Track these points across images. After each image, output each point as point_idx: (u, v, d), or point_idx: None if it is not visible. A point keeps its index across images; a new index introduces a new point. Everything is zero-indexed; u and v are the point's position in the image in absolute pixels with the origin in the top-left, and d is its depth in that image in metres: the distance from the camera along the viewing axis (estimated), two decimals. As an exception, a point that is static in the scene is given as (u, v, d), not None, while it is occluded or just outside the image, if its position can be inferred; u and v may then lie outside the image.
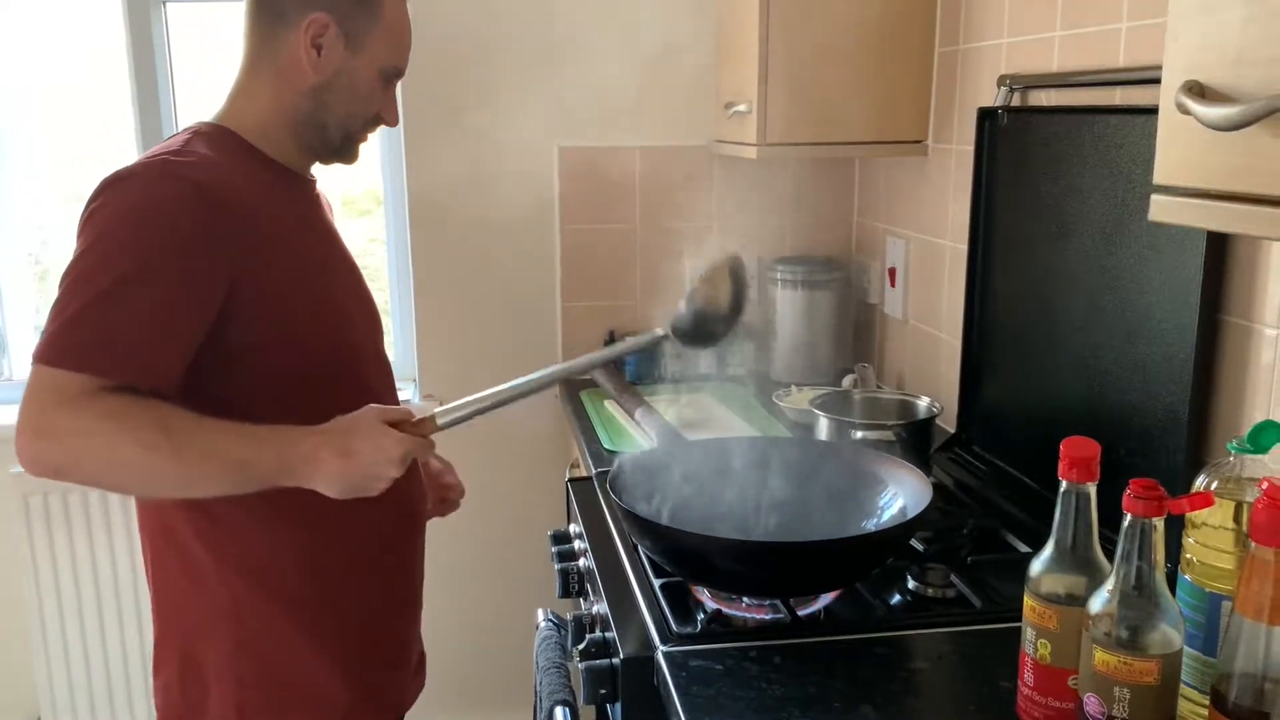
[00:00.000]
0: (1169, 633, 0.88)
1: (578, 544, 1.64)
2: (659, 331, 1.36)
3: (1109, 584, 0.90)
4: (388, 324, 2.48)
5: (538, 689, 1.47)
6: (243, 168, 1.28)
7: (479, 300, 2.45)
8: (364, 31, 1.30)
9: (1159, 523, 0.88)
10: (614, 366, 2.31)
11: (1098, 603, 0.91)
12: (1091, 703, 0.91)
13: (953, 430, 1.89)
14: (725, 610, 1.29)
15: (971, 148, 1.81)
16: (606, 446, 1.97)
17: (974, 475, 1.75)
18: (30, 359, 1.12)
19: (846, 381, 2.22)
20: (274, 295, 1.24)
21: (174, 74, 2.45)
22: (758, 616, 1.28)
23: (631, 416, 1.94)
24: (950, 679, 1.17)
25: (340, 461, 1.17)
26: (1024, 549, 1.47)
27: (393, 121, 1.39)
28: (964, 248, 1.85)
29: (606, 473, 1.55)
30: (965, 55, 1.95)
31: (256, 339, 1.23)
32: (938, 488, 1.59)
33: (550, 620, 1.59)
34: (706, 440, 1.57)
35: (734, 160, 2.38)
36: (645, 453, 1.61)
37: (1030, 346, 1.68)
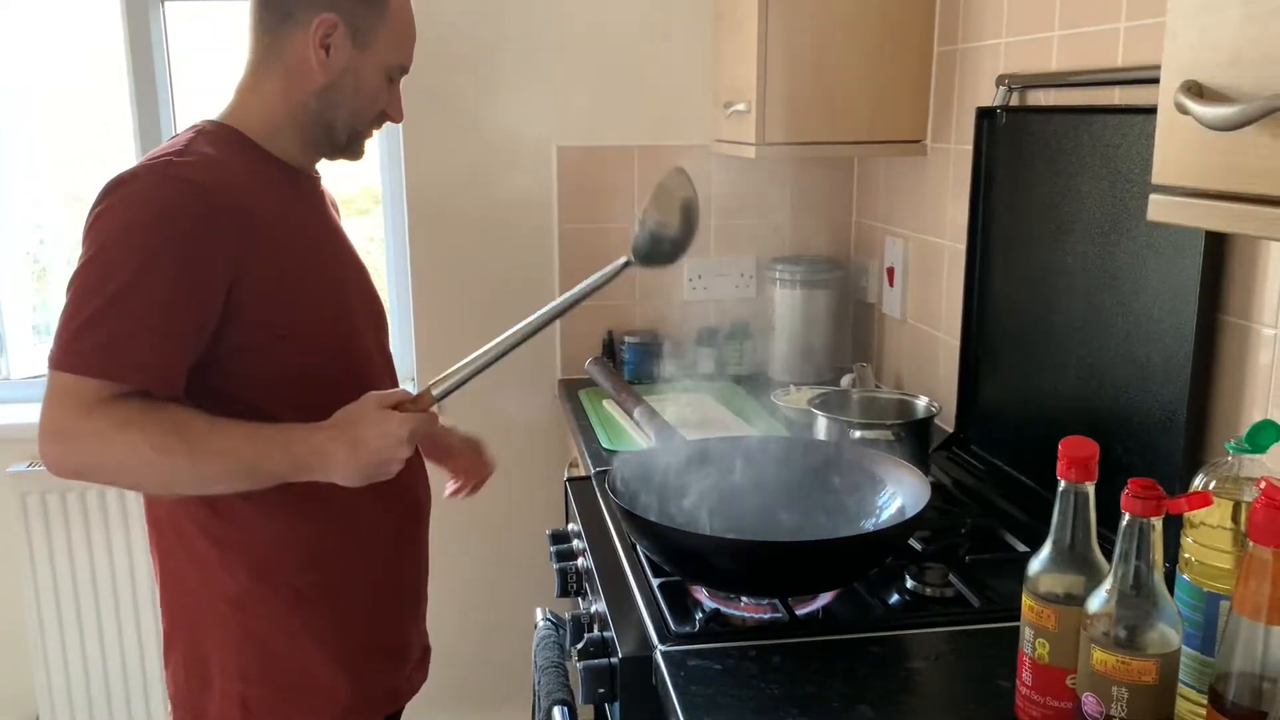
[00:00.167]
0: (1167, 632, 0.88)
1: (576, 543, 1.64)
2: (621, 260, 1.39)
3: (1107, 583, 0.90)
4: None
5: (536, 688, 1.47)
6: (246, 166, 1.29)
7: (478, 299, 2.45)
8: (370, 30, 1.31)
9: (1157, 522, 0.88)
10: (613, 366, 2.31)
11: (1096, 602, 0.91)
12: (1090, 702, 0.91)
13: (951, 430, 1.89)
14: (724, 610, 1.29)
15: (970, 147, 1.81)
16: (605, 446, 1.97)
17: (972, 475, 1.76)
18: (46, 363, 1.15)
19: (845, 381, 2.23)
20: (276, 294, 1.25)
21: (173, 73, 2.45)
22: (756, 616, 1.28)
23: (630, 416, 1.93)
24: (948, 678, 1.17)
25: (350, 452, 1.20)
26: (1022, 548, 1.47)
27: (398, 118, 1.40)
28: (962, 247, 1.85)
29: (605, 472, 1.55)
30: (964, 55, 1.95)
31: (260, 337, 1.25)
32: (936, 487, 1.59)
33: (549, 620, 1.59)
34: (705, 440, 1.57)
35: (733, 160, 2.37)
36: (644, 452, 1.61)
37: (1029, 346, 1.68)
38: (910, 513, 1.30)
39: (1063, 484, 0.95)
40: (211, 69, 2.50)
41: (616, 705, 1.24)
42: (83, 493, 2.41)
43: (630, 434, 2.00)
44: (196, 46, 2.48)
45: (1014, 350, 1.73)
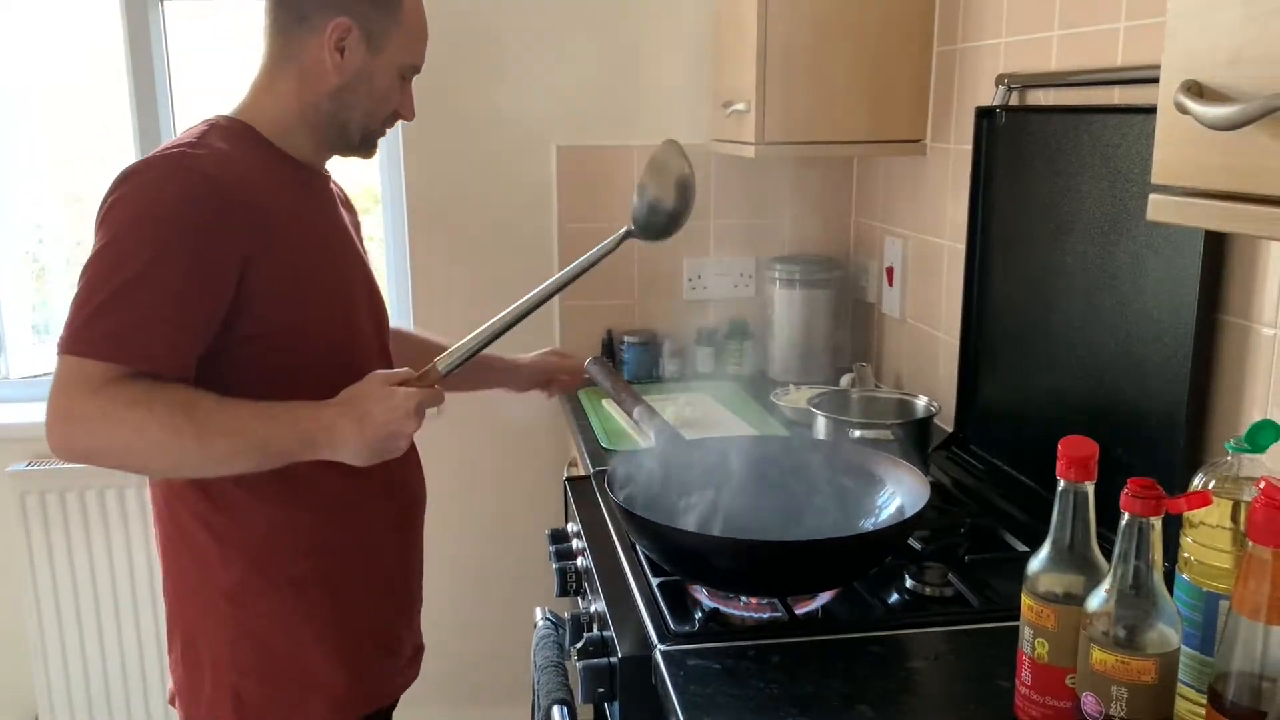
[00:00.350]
0: (1166, 632, 0.88)
1: (576, 543, 1.64)
2: (622, 230, 1.42)
3: (1107, 583, 0.90)
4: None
5: (535, 688, 1.47)
6: (257, 162, 1.30)
7: (477, 299, 2.43)
8: (384, 32, 1.33)
9: (1157, 522, 0.88)
10: (613, 366, 2.31)
11: (1095, 602, 0.91)
12: (1089, 702, 0.91)
13: (950, 429, 1.89)
14: (723, 609, 1.29)
15: (970, 147, 1.81)
16: (604, 445, 1.97)
17: (972, 474, 1.76)
18: (56, 350, 1.16)
19: (844, 380, 2.23)
20: (283, 286, 1.27)
21: (172, 73, 2.45)
22: (755, 615, 1.28)
23: (629, 415, 1.93)
24: (948, 678, 1.17)
25: (357, 427, 1.21)
26: (1022, 548, 1.47)
27: (410, 117, 1.42)
28: (962, 247, 1.85)
29: (604, 472, 1.55)
30: (963, 54, 1.95)
31: (265, 328, 1.26)
32: (935, 487, 1.59)
33: (548, 619, 1.59)
34: (704, 439, 1.57)
35: (732, 159, 2.38)
36: (643, 452, 1.61)
37: (1028, 346, 1.68)
38: (909, 512, 1.30)
39: (1062, 484, 0.95)
40: (211, 68, 2.50)
41: (616, 705, 1.24)
42: (82, 492, 2.41)
43: (630, 434, 2.00)
44: (196, 46, 2.48)
45: (1014, 350, 1.73)
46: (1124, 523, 0.88)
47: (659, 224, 1.43)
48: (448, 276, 2.46)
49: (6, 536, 2.45)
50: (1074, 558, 0.96)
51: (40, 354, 2.62)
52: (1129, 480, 0.88)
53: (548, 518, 2.26)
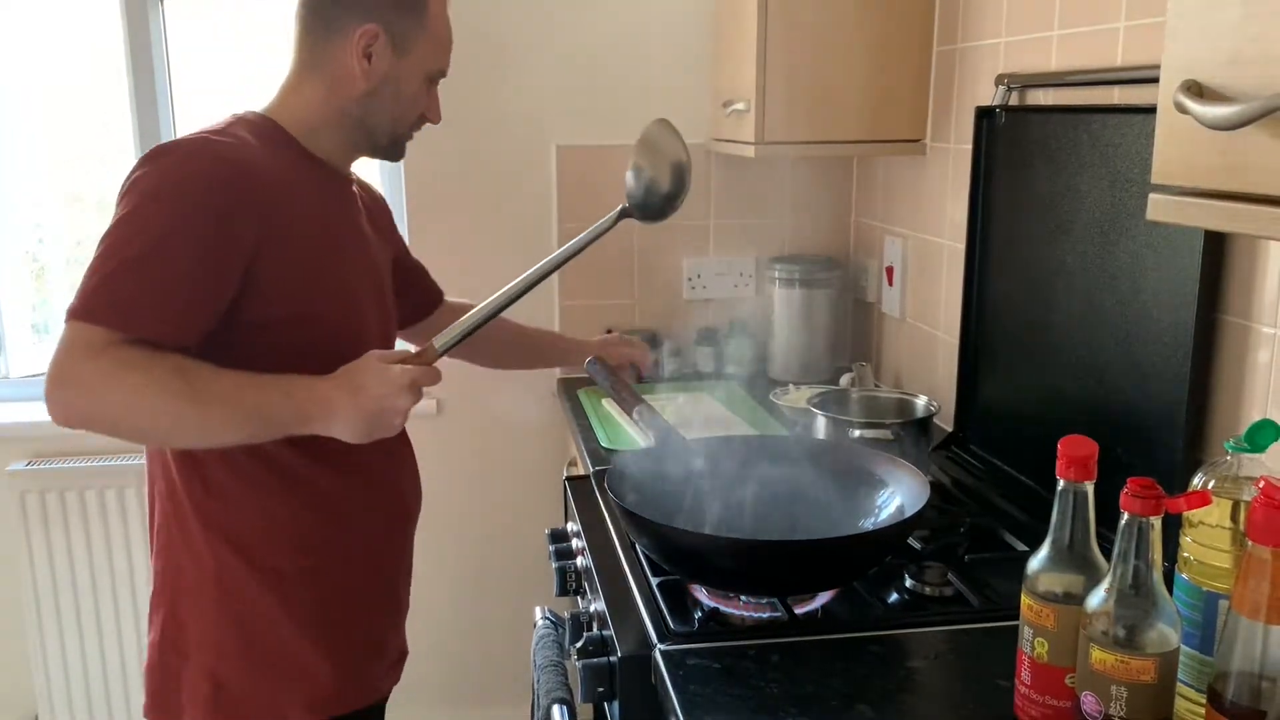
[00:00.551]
0: (1166, 631, 0.88)
1: (575, 542, 1.64)
2: (618, 209, 1.43)
3: (1106, 583, 0.90)
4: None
5: (535, 687, 1.47)
6: (277, 156, 1.32)
7: (477, 298, 2.43)
8: (410, 38, 1.35)
9: (1156, 521, 0.88)
10: (612, 365, 2.31)
11: (1095, 601, 0.91)
12: (1089, 701, 0.91)
13: (950, 429, 1.89)
14: (723, 609, 1.29)
15: (969, 147, 1.81)
16: (604, 445, 1.97)
17: (971, 474, 1.76)
18: (64, 318, 1.17)
19: (844, 380, 2.23)
20: (291, 276, 1.28)
21: (172, 73, 2.45)
22: (755, 615, 1.28)
23: (629, 415, 1.93)
24: (947, 678, 1.17)
25: (352, 399, 1.21)
26: (1021, 548, 1.47)
27: (436, 120, 1.46)
28: (962, 246, 1.85)
29: (604, 471, 1.55)
30: (963, 54, 1.95)
31: (271, 317, 1.27)
32: (935, 486, 1.59)
33: (548, 618, 1.59)
34: (704, 439, 1.57)
35: (732, 159, 2.38)
36: (643, 451, 1.61)
37: (1028, 345, 1.68)
38: (909, 512, 1.30)
39: (1062, 483, 0.95)
40: (211, 68, 2.50)
41: (615, 704, 1.24)
42: (82, 492, 2.41)
43: (629, 433, 2.00)
44: (196, 46, 2.48)
45: (1013, 349, 1.73)
46: (1124, 522, 0.88)
47: (655, 205, 1.45)
48: (447, 276, 2.45)
49: (6, 536, 2.45)
50: (1074, 557, 0.96)
51: (40, 353, 2.62)
52: (1129, 480, 0.88)
53: (548, 517, 2.26)
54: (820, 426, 1.78)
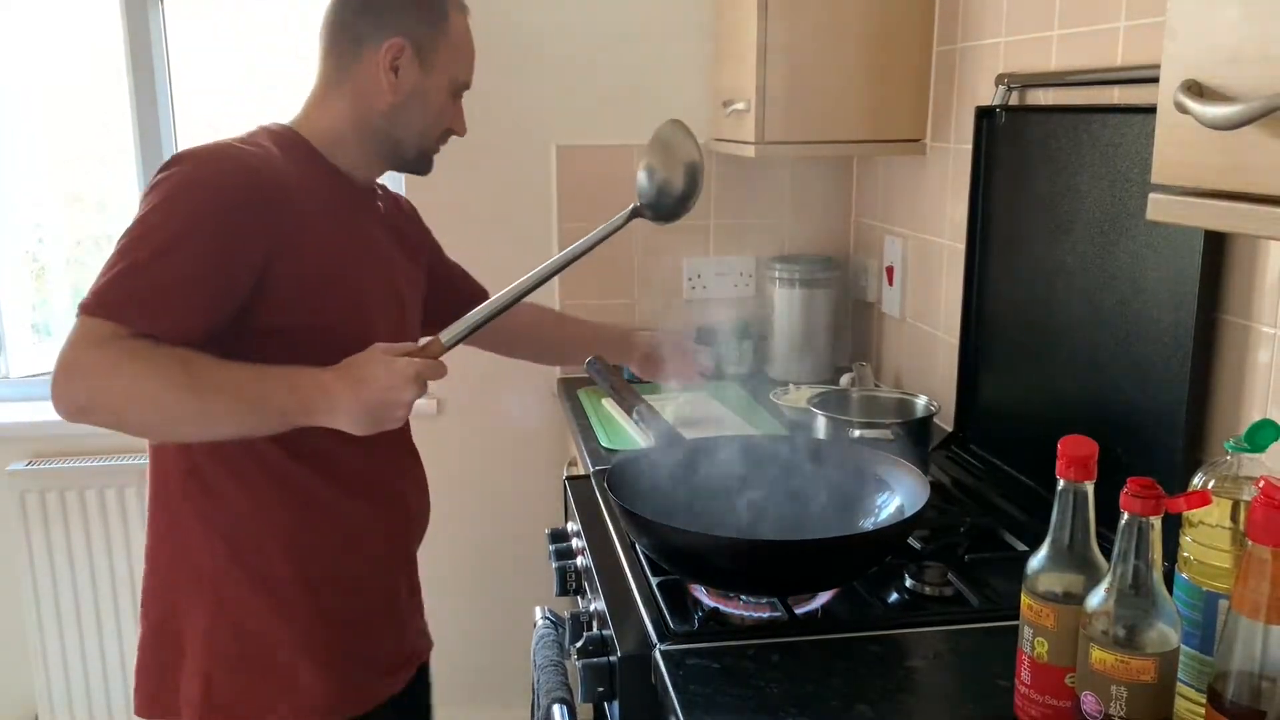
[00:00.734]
0: (1166, 631, 0.88)
1: (575, 542, 1.64)
2: (629, 208, 1.43)
3: (1106, 582, 0.90)
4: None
5: (535, 687, 1.47)
6: (299, 167, 1.33)
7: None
8: (435, 51, 1.38)
9: (1156, 521, 0.88)
10: (612, 365, 2.30)
11: (1095, 601, 0.91)
12: (1089, 701, 0.91)
13: (950, 429, 1.89)
14: (723, 608, 1.29)
15: (969, 146, 1.81)
16: (604, 445, 1.97)
17: (971, 474, 1.76)
18: (75, 313, 1.19)
19: (844, 380, 2.23)
20: (301, 286, 1.29)
21: (172, 73, 2.45)
22: (755, 615, 1.28)
23: (629, 415, 1.93)
24: (947, 677, 1.17)
25: (354, 391, 1.20)
26: (1021, 547, 1.47)
27: (462, 132, 1.48)
28: (962, 246, 1.85)
29: (604, 471, 1.55)
30: (963, 54, 1.95)
31: (279, 325, 1.27)
32: (935, 486, 1.59)
33: (548, 618, 1.59)
34: (704, 439, 1.57)
35: (732, 159, 2.38)
36: (643, 451, 1.61)
37: (1028, 345, 1.68)
38: (909, 512, 1.30)
39: (1062, 483, 0.95)
40: (211, 68, 2.50)
41: (615, 704, 1.24)
42: (82, 491, 2.41)
43: (629, 433, 2.00)
44: (196, 46, 2.48)
45: (1013, 349, 1.73)
46: (1123, 522, 0.88)
47: (668, 205, 1.44)
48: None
49: (6, 535, 2.45)
50: (1073, 557, 0.96)
51: (40, 354, 2.62)
52: (1129, 480, 0.88)
53: (548, 517, 2.26)
54: (820, 426, 1.78)
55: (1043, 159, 1.60)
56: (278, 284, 1.25)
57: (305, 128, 1.38)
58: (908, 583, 1.36)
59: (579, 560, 1.58)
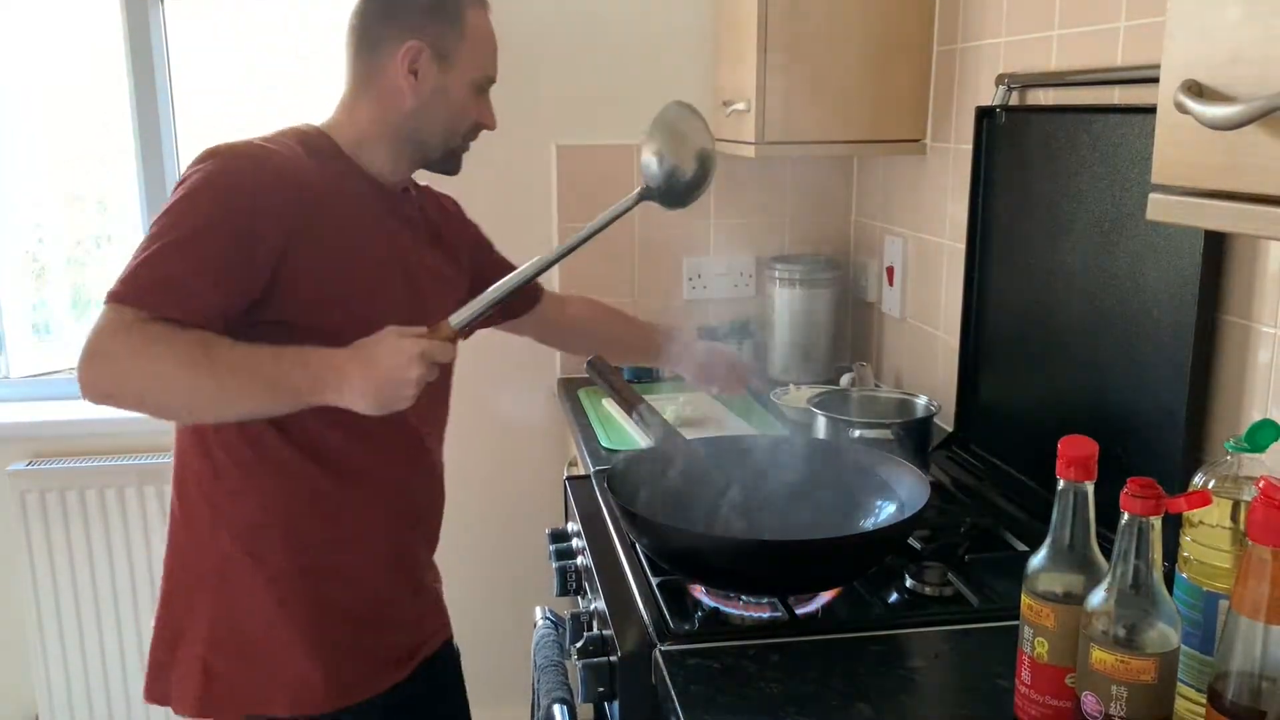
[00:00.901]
0: (1166, 631, 0.88)
1: (575, 542, 1.64)
2: (637, 190, 1.41)
3: (1106, 582, 0.90)
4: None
5: (535, 687, 1.47)
6: (324, 168, 1.36)
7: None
8: (453, 49, 1.39)
9: (1156, 521, 0.88)
10: (612, 365, 2.30)
11: (1095, 601, 0.91)
12: (1089, 701, 0.91)
13: (950, 429, 1.89)
14: (723, 608, 1.29)
15: (970, 146, 1.81)
16: (604, 445, 1.97)
17: (971, 474, 1.76)
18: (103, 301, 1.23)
19: (844, 380, 2.23)
20: (318, 281, 1.31)
21: (172, 73, 2.45)
22: (755, 615, 1.28)
23: (629, 415, 1.93)
24: (947, 677, 1.17)
25: (364, 370, 1.22)
26: (1022, 547, 1.47)
27: (492, 126, 1.50)
28: (962, 246, 1.85)
29: (605, 471, 1.55)
30: (964, 54, 1.95)
31: (293, 317, 1.30)
32: (935, 486, 1.59)
33: (548, 618, 1.59)
34: (704, 439, 1.57)
35: (732, 159, 2.37)
36: (643, 451, 1.61)
37: (1028, 345, 1.68)
38: (909, 512, 1.30)
39: (1062, 483, 0.95)
40: (211, 68, 2.50)
41: (616, 704, 1.24)
42: (82, 491, 2.41)
43: (630, 433, 2.00)
44: (196, 46, 2.48)
45: (1013, 349, 1.73)
46: (1124, 522, 0.88)
47: (678, 191, 1.42)
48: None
49: (6, 535, 2.45)
50: (1073, 557, 0.96)
51: (40, 354, 2.62)
52: (1129, 480, 0.88)
53: (548, 517, 2.26)
54: (820, 426, 1.78)
55: (1043, 159, 1.60)
56: (290, 282, 1.28)
57: (334, 130, 1.41)
58: (908, 583, 1.36)
59: (579, 560, 1.58)
